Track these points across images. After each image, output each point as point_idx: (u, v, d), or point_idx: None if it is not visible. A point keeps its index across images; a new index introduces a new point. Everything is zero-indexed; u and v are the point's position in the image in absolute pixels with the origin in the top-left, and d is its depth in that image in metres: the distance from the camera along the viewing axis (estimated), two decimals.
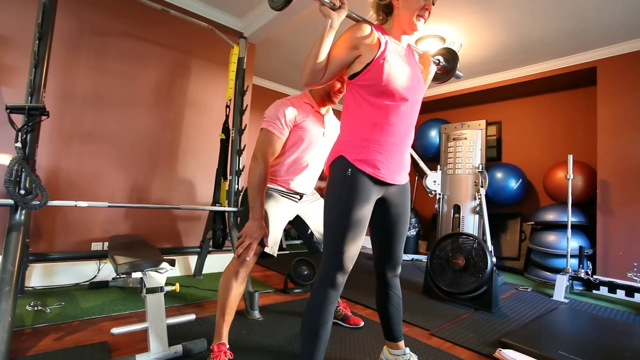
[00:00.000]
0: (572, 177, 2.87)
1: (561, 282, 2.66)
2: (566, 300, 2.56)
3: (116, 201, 2.39)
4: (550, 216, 3.20)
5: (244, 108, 2.27)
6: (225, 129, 2.33)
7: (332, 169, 1.14)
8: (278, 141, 1.35)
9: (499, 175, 3.72)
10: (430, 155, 4.45)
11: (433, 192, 4.14)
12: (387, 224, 1.24)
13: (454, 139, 4.02)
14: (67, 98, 2.20)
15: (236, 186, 2.22)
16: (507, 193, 3.64)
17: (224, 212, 2.27)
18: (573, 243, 3.00)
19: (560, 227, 3.10)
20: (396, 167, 1.14)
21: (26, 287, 2.02)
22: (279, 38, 3.18)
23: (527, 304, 2.45)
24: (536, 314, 2.21)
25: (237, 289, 1.32)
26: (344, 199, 1.06)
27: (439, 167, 4.13)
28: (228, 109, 2.35)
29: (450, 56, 1.44)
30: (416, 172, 4.65)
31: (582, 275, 2.69)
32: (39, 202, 1.48)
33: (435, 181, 4.12)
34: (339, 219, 1.06)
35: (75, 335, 1.53)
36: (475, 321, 2.03)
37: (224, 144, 2.32)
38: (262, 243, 1.34)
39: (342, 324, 1.82)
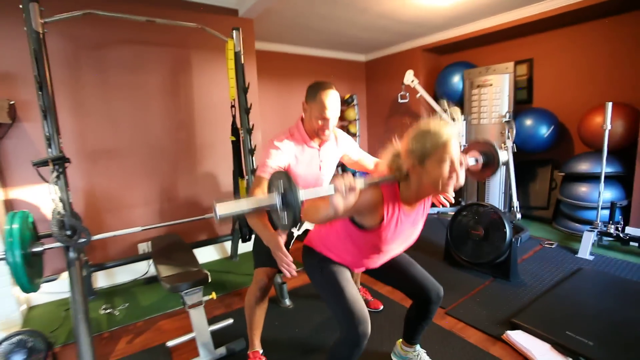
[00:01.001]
0: (609, 127, 2.63)
1: (587, 239, 2.64)
2: (591, 258, 2.57)
3: (150, 202, 2.63)
4: (584, 166, 3.03)
5: (249, 107, 2.25)
6: (234, 130, 2.35)
7: (307, 255, 1.26)
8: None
9: (528, 122, 3.46)
10: (453, 104, 4.18)
11: None
12: (386, 267, 1.31)
13: (478, 86, 3.72)
14: (83, 119, 2.31)
15: None
16: (537, 141, 3.42)
17: None
18: (607, 194, 2.88)
19: (593, 178, 2.94)
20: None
21: (95, 288, 2.40)
22: (276, 7, 2.93)
23: (548, 266, 2.50)
24: (556, 279, 2.27)
25: (260, 308, 1.51)
26: (325, 277, 1.18)
27: (462, 116, 3.91)
28: (234, 109, 2.34)
29: (489, 150, 1.26)
30: None
31: (612, 230, 2.63)
32: (84, 240, 1.70)
33: (458, 132, 3.94)
34: (330, 289, 1.16)
35: (141, 337, 1.86)
36: (491, 294, 2.14)
37: (235, 144, 2.37)
38: (276, 266, 1.45)
39: None
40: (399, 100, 4.29)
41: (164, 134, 2.62)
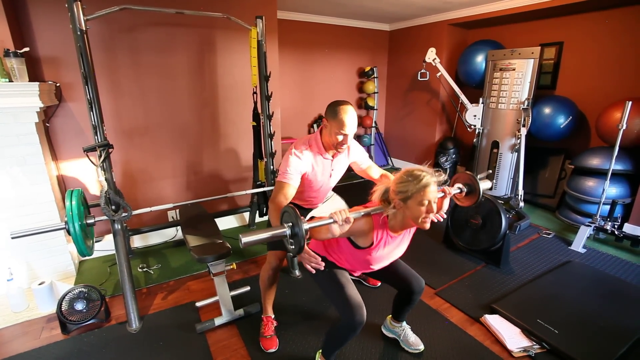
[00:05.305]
0: (624, 126, 2.64)
1: (583, 233, 2.77)
2: (583, 251, 2.72)
3: (178, 175, 2.90)
4: (594, 161, 3.06)
5: (269, 94, 2.38)
6: (255, 115, 2.51)
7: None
8: (290, 188, 1.50)
9: (546, 110, 3.43)
10: (475, 84, 4.12)
11: (472, 126, 4.02)
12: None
13: (500, 69, 3.64)
14: (118, 99, 2.51)
15: (271, 167, 2.54)
16: (552, 131, 3.42)
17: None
18: (612, 190, 2.95)
19: (601, 174, 2.99)
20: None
21: (133, 247, 2.78)
22: None
23: (540, 255, 2.68)
24: (543, 269, 2.46)
25: (273, 283, 1.79)
26: (327, 274, 1.40)
27: (480, 99, 3.88)
28: (255, 95, 2.47)
29: (472, 181, 1.48)
30: (456, 107, 4.41)
31: (608, 227, 2.75)
32: (126, 214, 1.99)
33: (475, 116, 3.95)
34: (332, 284, 1.38)
35: (173, 295, 2.22)
36: (480, 279, 2.37)
37: (256, 129, 2.55)
38: (285, 249, 1.71)
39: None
40: (419, 78, 4.26)
41: (191, 112, 2.81)
